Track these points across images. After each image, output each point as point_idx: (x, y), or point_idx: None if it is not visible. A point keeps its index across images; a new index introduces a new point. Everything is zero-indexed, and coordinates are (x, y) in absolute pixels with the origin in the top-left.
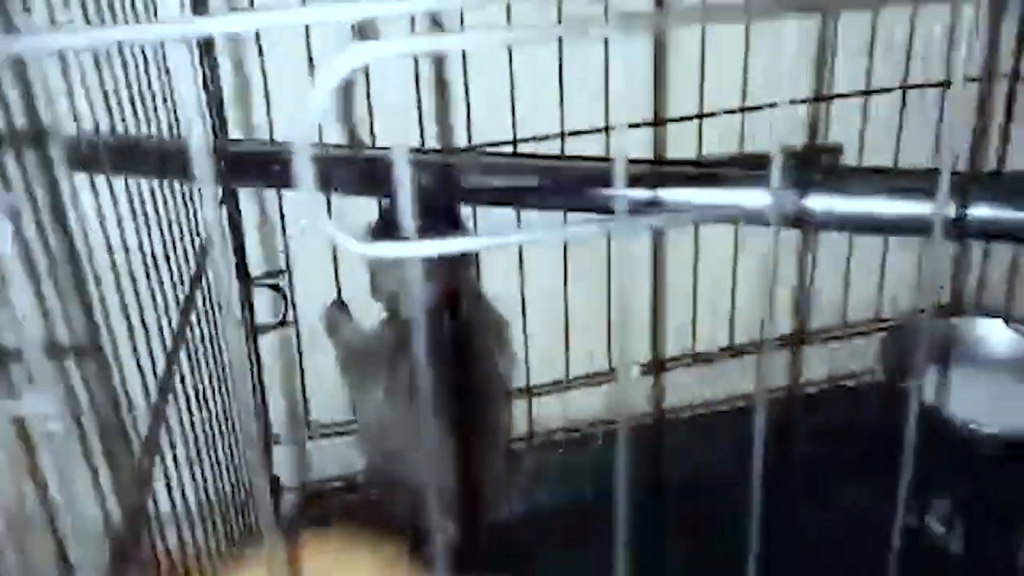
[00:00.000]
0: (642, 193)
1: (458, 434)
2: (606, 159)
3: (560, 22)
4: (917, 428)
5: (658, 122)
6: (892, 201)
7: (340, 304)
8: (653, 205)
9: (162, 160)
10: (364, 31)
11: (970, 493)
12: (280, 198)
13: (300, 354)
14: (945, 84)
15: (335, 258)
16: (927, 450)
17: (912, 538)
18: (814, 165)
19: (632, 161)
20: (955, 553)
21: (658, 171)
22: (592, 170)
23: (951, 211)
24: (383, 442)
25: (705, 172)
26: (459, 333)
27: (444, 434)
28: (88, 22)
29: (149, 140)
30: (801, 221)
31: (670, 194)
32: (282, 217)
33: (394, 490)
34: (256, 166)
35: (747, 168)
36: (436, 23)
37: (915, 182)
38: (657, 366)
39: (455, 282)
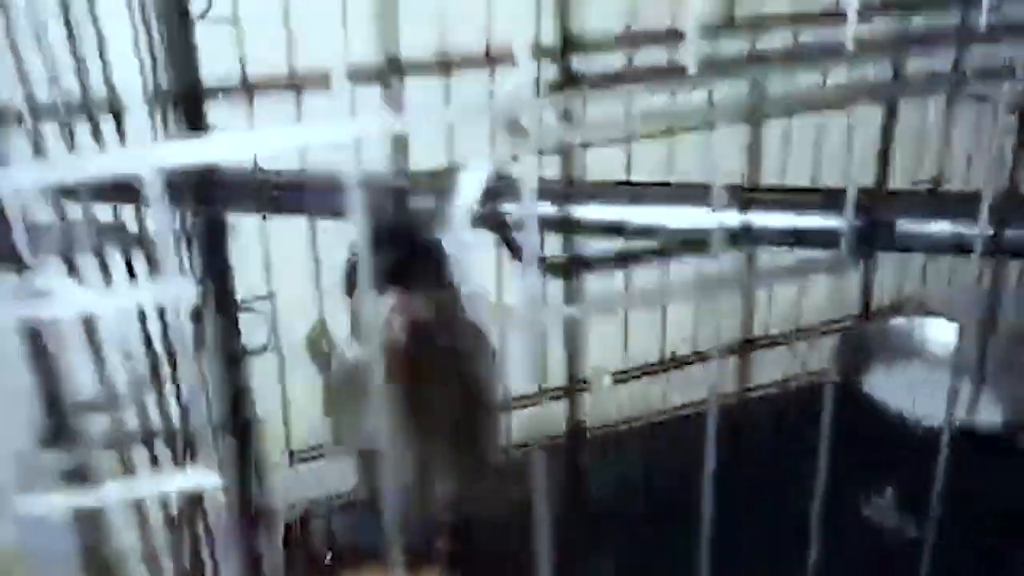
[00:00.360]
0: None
1: (449, 451)
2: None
3: None
4: (869, 423)
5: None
6: (806, 216)
7: (323, 327)
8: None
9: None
10: None
11: (921, 482)
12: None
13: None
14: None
15: (318, 283)
16: (879, 443)
17: (868, 527)
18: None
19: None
20: (910, 538)
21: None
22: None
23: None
24: (373, 463)
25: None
26: (440, 355)
27: (434, 451)
28: None
29: None
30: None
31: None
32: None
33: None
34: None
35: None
36: None
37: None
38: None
39: (430, 308)
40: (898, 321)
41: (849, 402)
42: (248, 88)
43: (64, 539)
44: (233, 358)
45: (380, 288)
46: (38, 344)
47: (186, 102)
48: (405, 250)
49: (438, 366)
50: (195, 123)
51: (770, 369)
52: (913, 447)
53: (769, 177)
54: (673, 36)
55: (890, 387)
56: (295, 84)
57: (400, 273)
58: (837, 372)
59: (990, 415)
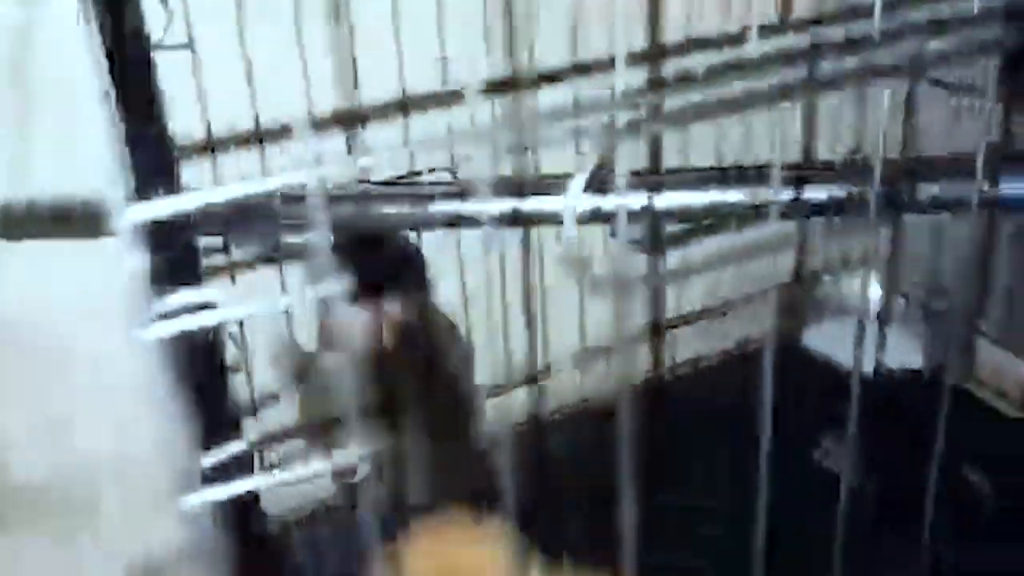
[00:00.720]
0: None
1: (440, 446)
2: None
3: None
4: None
5: None
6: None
7: (293, 342)
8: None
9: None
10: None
11: (861, 426)
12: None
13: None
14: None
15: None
16: (822, 394)
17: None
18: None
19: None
20: (858, 478)
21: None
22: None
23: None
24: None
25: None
26: (423, 356)
27: (425, 448)
28: None
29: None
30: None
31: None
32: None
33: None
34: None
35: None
36: None
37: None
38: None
39: (412, 311)
40: (829, 280)
41: (791, 358)
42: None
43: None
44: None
45: (361, 296)
46: (197, 353)
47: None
48: (385, 256)
49: (423, 367)
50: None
51: (737, 329)
52: (847, 391)
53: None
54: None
55: (826, 341)
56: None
57: (383, 279)
58: (779, 332)
59: (912, 358)
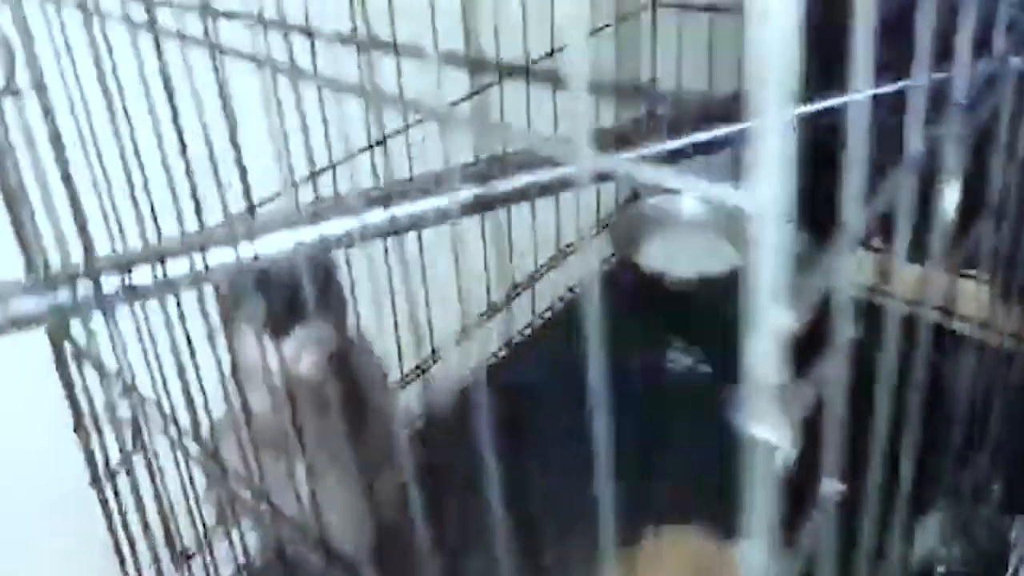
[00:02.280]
0: None
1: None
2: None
3: None
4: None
5: None
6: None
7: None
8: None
9: None
10: None
11: (700, 328)
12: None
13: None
14: None
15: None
16: (664, 303)
17: (671, 372)
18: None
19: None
20: (704, 373)
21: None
22: None
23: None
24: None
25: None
26: (354, 382)
27: (364, 476)
28: None
29: None
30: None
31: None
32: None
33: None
34: None
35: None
36: None
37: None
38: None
39: (340, 337)
40: (656, 199)
41: (630, 275)
42: None
43: None
44: None
45: (277, 329)
46: None
47: None
48: (310, 283)
49: (355, 394)
50: None
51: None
52: (685, 301)
53: None
54: None
55: (658, 255)
56: None
57: (299, 306)
58: (614, 253)
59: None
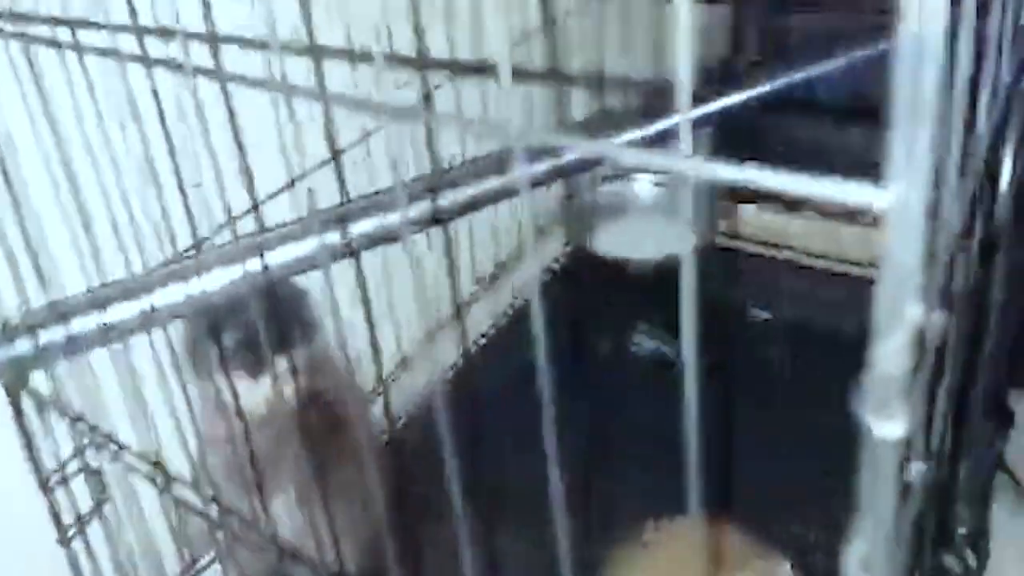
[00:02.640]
0: None
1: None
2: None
3: None
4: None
5: None
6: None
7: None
8: None
9: None
10: None
11: (663, 311)
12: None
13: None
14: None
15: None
16: (623, 289)
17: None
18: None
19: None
20: (671, 352)
21: None
22: None
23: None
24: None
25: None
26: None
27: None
28: None
29: None
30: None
31: None
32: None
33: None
34: None
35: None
36: None
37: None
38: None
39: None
40: (610, 186)
41: (586, 264)
42: None
43: None
44: None
45: (249, 363)
46: None
47: None
48: (281, 314)
49: (334, 422)
50: None
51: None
52: (644, 284)
53: None
54: None
55: (615, 241)
56: None
57: (274, 337)
58: (568, 242)
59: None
